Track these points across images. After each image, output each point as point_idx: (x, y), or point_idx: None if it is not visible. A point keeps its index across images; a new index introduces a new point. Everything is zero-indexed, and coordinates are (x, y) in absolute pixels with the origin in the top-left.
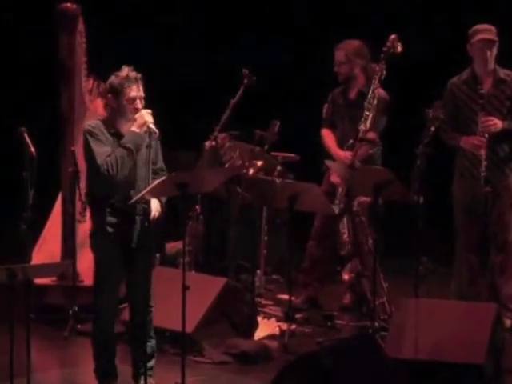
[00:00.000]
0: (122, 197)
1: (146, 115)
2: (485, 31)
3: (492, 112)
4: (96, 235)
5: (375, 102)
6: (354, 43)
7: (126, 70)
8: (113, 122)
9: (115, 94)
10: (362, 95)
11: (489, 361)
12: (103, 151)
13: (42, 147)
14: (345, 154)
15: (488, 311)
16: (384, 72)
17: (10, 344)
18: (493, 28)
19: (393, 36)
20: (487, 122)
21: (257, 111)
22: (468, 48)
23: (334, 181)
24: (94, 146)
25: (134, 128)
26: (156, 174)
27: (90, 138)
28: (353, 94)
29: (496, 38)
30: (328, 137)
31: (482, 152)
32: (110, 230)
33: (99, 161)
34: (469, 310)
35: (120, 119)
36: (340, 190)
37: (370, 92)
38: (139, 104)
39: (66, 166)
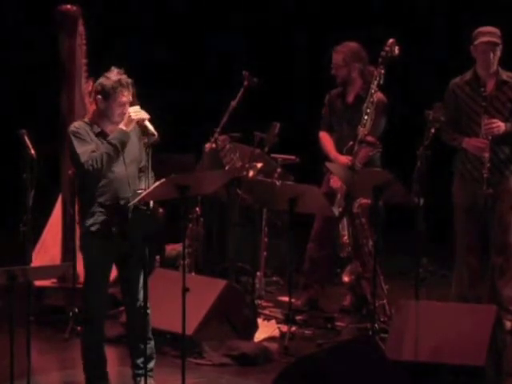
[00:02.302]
0: (113, 196)
1: (133, 113)
2: (488, 34)
3: (494, 114)
4: (87, 235)
5: (374, 106)
6: (352, 46)
7: (115, 72)
8: (98, 123)
9: (105, 97)
10: (360, 99)
11: (489, 363)
12: (87, 149)
13: (42, 149)
14: (344, 159)
15: (488, 313)
16: (382, 76)
17: (10, 346)
18: (497, 30)
19: (391, 40)
20: (491, 124)
21: (257, 113)
22: (471, 49)
23: (333, 186)
24: (78, 145)
25: (122, 126)
26: (141, 172)
27: (74, 138)
28: (351, 98)
29: (499, 41)
30: (326, 140)
31: (486, 154)
32: (98, 229)
33: (83, 159)
34: (469, 312)
35: (105, 121)
36: (339, 195)
37: (369, 96)
38: (127, 109)
39: (65, 168)
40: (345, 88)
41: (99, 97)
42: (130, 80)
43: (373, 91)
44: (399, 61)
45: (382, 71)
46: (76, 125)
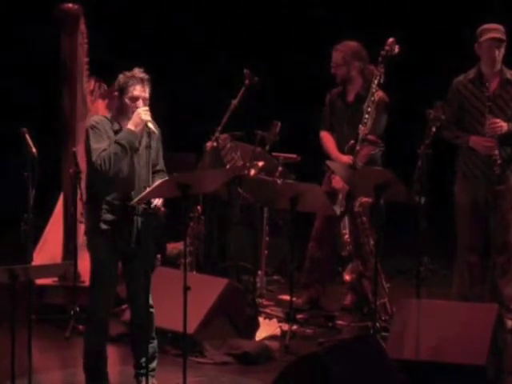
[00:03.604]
0: (121, 196)
1: (143, 113)
2: (493, 30)
3: (497, 112)
4: (92, 233)
5: (374, 105)
6: (352, 45)
7: (134, 70)
8: (117, 120)
9: (120, 92)
10: (361, 98)
11: (490, 362)
12: (99, 147)
13: (44, 148)
14: (346, 159)
15: (489, 312)
16: (383, 75)
17: (11, 344)
18: (501, 27)
19: (391, 39)
20: (494, 124)
21: (258, 111)
22: (476, 47)
23: (335, 186)
24: (93, 141)
25: (130, 126)
26: (155, 173)
27: (91, 132)
28: (351, 97)
29: (504, 38)
30: (328, 140)
31: (496, 152)
32: (105, 227)
33: (94, 157)
34: (470, 310)
35: (123, 117)
36: (340, 196)
37: (369, 95)
38: (141, 104)
39: (67, 167)
40: (345, 87)
41: (116, 93)
42: (146, 76)
43: (374, 90)
44: (401, 59)
45: (382, 70)
46: (96, 119)
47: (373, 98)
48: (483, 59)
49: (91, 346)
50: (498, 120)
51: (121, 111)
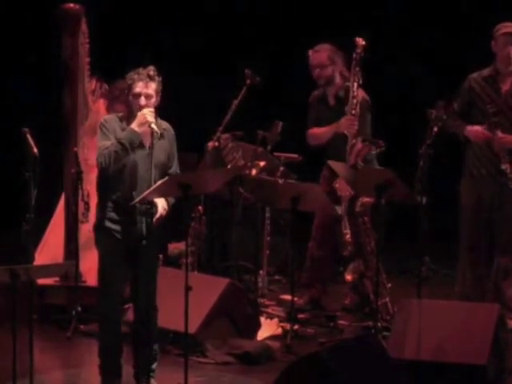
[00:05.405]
0: (124, 195)
1: (148, 114)
2: (509, 26)
3: (509, 113)
4: (98, 230)
5: (358, 107)
6: (330, 45)
7: (144, 68)
8: (128, 118)
9: (127, 90)
10: (340, 100)
11: (491, 362)
12: (103, 144)
13: (45, 148)
14: (344, 121)
15: (491, 312)
16: (360, 77)
17: (12, 344)
18: None
19: (358, 39)
20: (504, 139)
21: (259, 111)
22: (492, 44)
23: (341, 194)
24: (100, 139)
25: (134, 125)
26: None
27: (99, 131)
28: (332, 100)
29: None
30: (316, 129)
31: (507, 166)
32: (109, 224)
33: (97, 154)
34: (472, 310)
35: (131, 115)
36: (343, 204)
37: (351, 99)
38: (143, 101)
39: (68, 167)
40: (324, 90)
41: (126, 91)
42: (152, 73)
43: (355, 93)
44: (399, 59)
45: (360, 73)
46: (106, 117)
47: (355, 100)
48: (499, 56)
49: (103, 345)
50: (505, 135)
51: (130, 110)
